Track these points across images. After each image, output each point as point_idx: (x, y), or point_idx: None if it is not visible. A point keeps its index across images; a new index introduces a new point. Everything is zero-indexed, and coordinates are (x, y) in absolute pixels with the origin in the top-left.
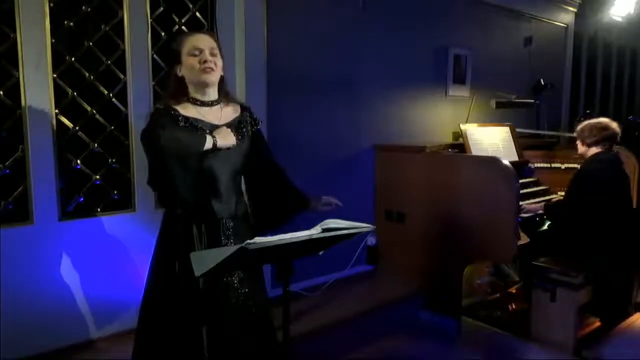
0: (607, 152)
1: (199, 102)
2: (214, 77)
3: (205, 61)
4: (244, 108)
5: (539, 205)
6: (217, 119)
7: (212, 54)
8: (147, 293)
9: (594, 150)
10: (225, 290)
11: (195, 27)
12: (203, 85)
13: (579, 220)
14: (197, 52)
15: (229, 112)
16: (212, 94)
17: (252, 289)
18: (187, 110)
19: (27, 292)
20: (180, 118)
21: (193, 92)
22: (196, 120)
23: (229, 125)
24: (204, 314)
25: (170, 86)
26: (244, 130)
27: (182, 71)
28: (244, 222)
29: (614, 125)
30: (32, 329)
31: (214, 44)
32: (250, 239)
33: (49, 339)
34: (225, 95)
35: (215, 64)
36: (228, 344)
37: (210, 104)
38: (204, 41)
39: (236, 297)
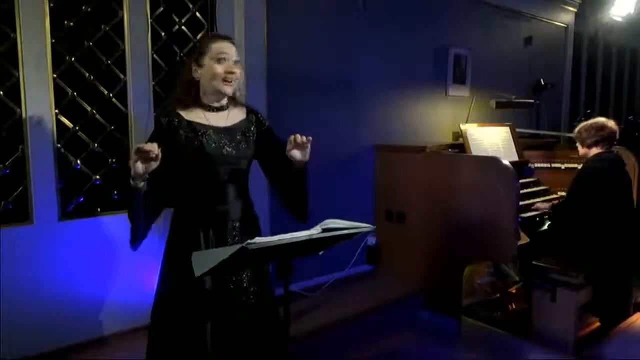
0: (609, 152)
1: (207, 107)
2: (232, 90)
3: (230, 72)
4: (249, 111)
5: (548, 204)
6: (223, 122)
7: (235, 63)
8: (159, 294)
9: (594, 150)
10: (233, 290)
11: (195, 27)
12: (219, 95)
13: (579, 220)
14: (223, 59)
15: (236, 115)
16: (223, 101)
17: (260, 288)
18: (193, 113)
19: (27, 292)
20: (182, 124)
21: (204, 97)
22: (199, 124)
23: (235, 127)
24: (211, 314)
25: (180, 88)
26: (249, 135)
27: (198, 74)
28: (250, 223)
29: (611, 124)
30: (32, 329)
31: (237, 55)
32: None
33: (49, 339)
34: (232, 99)
35: (236, 77)
36: (236, 343)
37: (219, 109)
38: (230, 50)
39: (245, 296)
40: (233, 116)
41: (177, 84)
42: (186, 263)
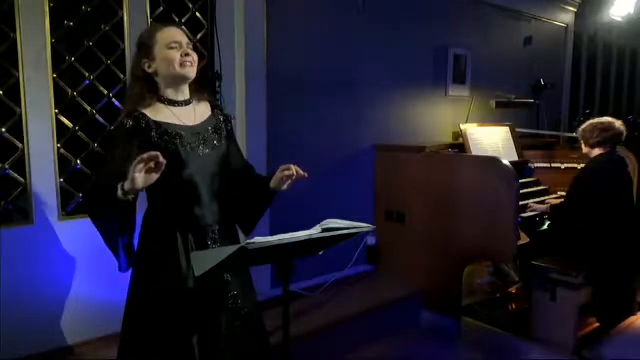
0: (612, 153)
1: (171, 102)
2: (194, 73)
3: (187, 54)
4: (214, 106)
5: (545, 205)
6: (191, 120)
7: (189, 47)
8: (132, 302)
9: (597, 151)
10: (213, 292)
11: (195, 27)
12: (181, 81)
13: (579, 220)
14: (176, 45)
15: (203, 111)
16: (186, 92)
17: (241, 291)
18: (160, 113)
19: (27, 292)
20: (151, 126)
21: (165, 91)
22: (169, 125)
23: (205, 125)
24: (196, 324)
25: (136, 87)
26: (221, 132)
27: (152, 67)
28: (230, 226)
29: (618, 124)
30: (32, 329)
31: (189, 40)
32: (236, 242)
33: (49, 339)
34: (195, 92)
35: (194, 60)
36: (218, 347)
37: (184, 103)
38: (181, 35)
39: (225, 299)
40: (200, 113)
41: (129, 84)
42: (163, 267)
